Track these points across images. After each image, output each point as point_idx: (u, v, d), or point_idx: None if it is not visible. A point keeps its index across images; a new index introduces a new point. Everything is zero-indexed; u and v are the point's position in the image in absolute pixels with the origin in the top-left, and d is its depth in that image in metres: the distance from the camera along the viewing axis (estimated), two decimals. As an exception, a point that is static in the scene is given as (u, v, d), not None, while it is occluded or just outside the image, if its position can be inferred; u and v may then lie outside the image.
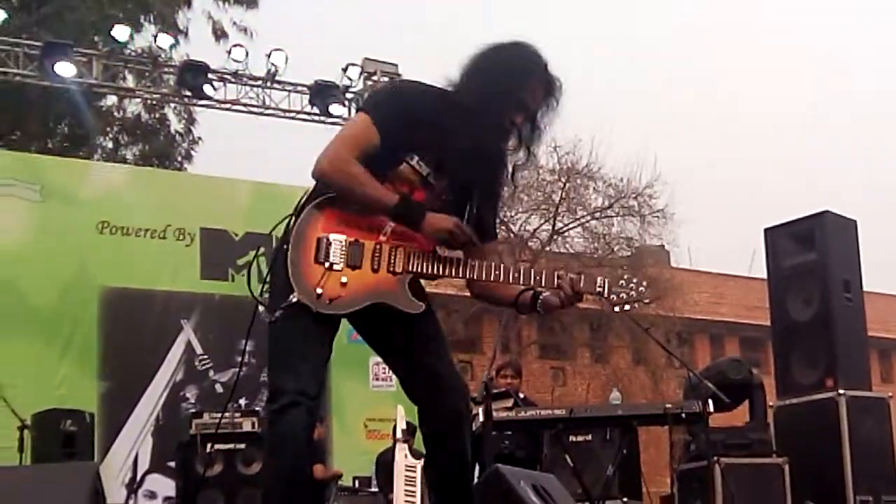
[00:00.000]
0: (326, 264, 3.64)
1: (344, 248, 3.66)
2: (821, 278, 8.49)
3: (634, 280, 3.81)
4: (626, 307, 3.80)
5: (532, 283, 3.77)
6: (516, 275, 3.76)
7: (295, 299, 3.61)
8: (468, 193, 3.84)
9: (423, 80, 3.88)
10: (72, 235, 11.35)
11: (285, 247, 3.67)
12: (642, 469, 8.57)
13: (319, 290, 3.61)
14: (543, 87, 3.78)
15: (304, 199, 3.77)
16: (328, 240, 3.66)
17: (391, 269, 3.70)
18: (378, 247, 3.70)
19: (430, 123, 3.70)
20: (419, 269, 3.72)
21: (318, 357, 3.71)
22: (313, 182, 3.77)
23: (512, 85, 3.73)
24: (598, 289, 3.78)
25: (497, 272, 3.74)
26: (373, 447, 10.88)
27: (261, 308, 3.74)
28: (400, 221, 3.68)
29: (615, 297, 3.78)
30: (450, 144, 3.70)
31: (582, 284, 3.76)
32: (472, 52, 3.78)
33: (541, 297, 3.84)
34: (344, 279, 3.64)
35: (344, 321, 3.79)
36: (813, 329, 8.44)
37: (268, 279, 3.78)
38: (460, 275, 3.75)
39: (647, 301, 3.86)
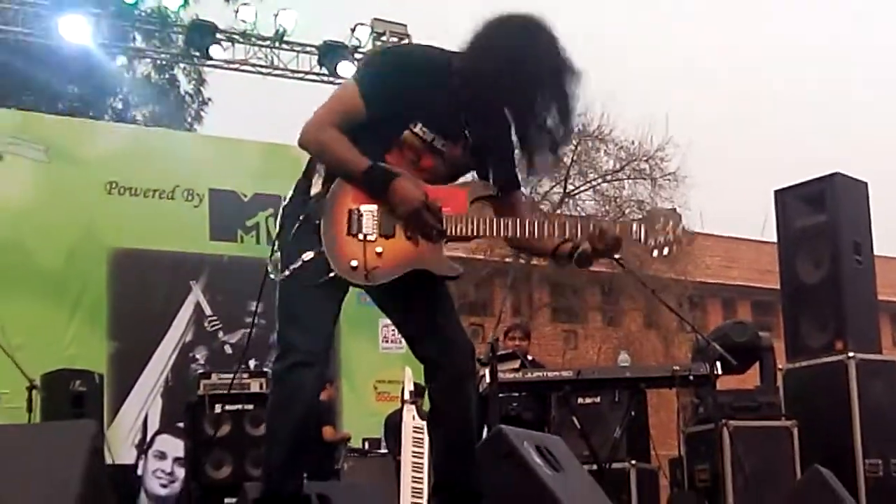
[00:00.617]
0: (360, 236, 3.60)
1: (376, 218, 3.62)
2: (831, 240, 8.42)
3: (671, 220, 3.70)
4: (667, 251, 3.68)
5: (569, 234, 3.71)
6: (551, 228, 3.69)
7: (308, 257, 3.58)
8: (482, 154, 3.79)
9: (423, 44, 3.84)
10: (79, 196, 11.34)
11: (318, 221, 3.62)
12: (651, 432, 8.57)
13: (355, 263, 3.58)
14: (558, 75, 3.64)
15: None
16: (359, 211, 3.62)
17: None
18: None
19: (426, 93, 3.64)
20: (454, 232, 3.67)
21: (327, 317, 3.70)
22: None
23: (521, 78, 3.58)
24: (635, 237, 3.69)
25: (532, 228, 3.67)
26: (382, 409, 10.92)
27: (269, 267, 3.71)
28: (365, 188, 3.61)
29: (653, 243, 3.68)
30: (453, 114, 3.67)
31: (618, 232, 3.69)
32: (484, 25, 3.64)
33: (580, 250, 3.74)
34: (379, 249, 3.61)
35: None
36: (822, 291, 8.38)
37: (278, 237, 3.75)
38: (495, 234, 3.70)
39: (686, 241, 3.71)
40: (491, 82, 3.59)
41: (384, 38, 13.84)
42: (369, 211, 3.62)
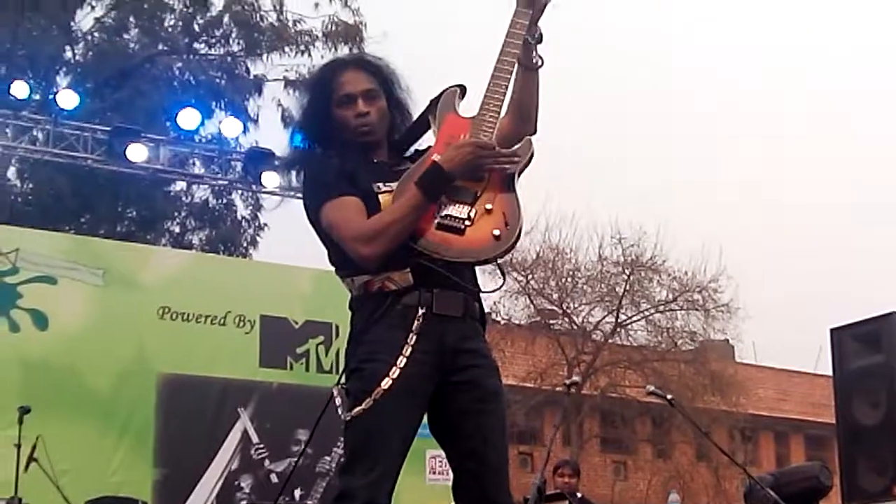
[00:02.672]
0: (468, 220, 3.47)
1: (454, 200, 3.50)
2: (888, 381, 8.28)
3: None
4: None
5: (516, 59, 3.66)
6: (500, 82, 3.62)
7: (387, 385, 3.41)
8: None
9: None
10: (132, 320, 11.39)
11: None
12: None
13: (497, 232, 3.44)
14: (353, 67, 3.75)
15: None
16: (441, 215, 3.48)
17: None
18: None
19: (348, 165, 3.65)
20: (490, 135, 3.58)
21: (397, 457, 3.50)
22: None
23: (320, 99, 3.73)
24: None
25: (496, 98, 3.61)
26: (429, 542, 10.73)
27: (337, 401, 3.56)
28: (436, 194, 3.46)
29: None
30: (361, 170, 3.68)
31: None
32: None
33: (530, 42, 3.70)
34: (488, 206, 3.49)
35: None
36: (880, 433, 8.22)
37: (345, 368, 3.58)
38: (504, 98, 3.62)
39: None
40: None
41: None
42: (445, 204, 3.48)
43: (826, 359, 8.82)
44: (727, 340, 27.02)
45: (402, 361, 3.46)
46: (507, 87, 3.64)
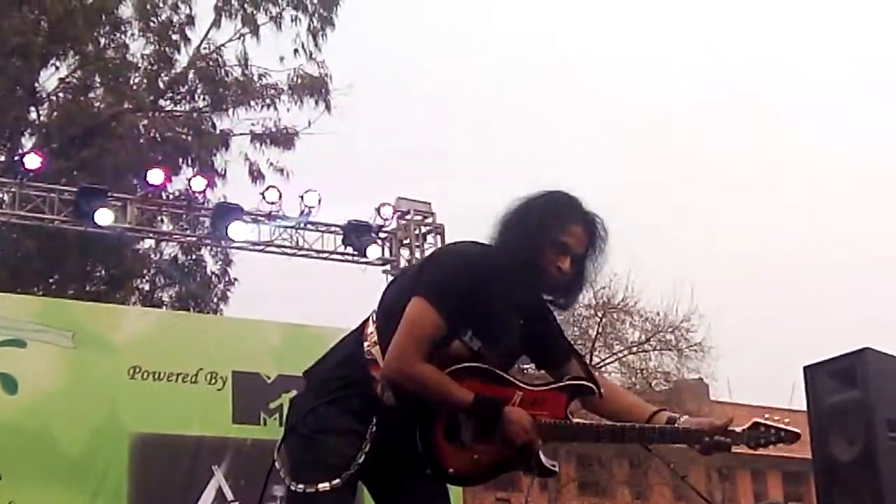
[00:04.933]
0: (458, 443, 3.56)
1: (475, 425, 3.56)
2: (864, 417, 8.27)
3: (774, 420, 3.73)
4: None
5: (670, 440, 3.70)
6: (653, 434, 3.66)
7: (348, 475, 3.51)
8: (538, 340, 3.80)
9: (473, 240, 3.76)
10: (103, 381, 11.29)
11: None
12: None
13: (452, 471, 3.54)
14: (584, 228, 3.69)
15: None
16: (458, 417, 3.56)
17: None
18: None
19: (481, 298, 3.60)
20: (551, 440, 3.63)
21: None
22: (348, 327, 3.73)
23: (548, 229, 3.63)
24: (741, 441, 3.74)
25: (632, 434, 3.67)
26: None
27: (278, 464, 3.65)
28: (475, 416, 3.55)
29: (755, 443, 3.73)
30: (495, 309, 3.62)
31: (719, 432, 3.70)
32: (508, 205, 3.69)
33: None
34: (476, 456, 3.57)
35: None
36: (857, 470, 8.20)
37: (292, 422, 3.72)
38: (593, 440, 3.72)
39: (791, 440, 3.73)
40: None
41: (408, 217, 13.96)
42: (469, 417, 3.56)
43: (800, 395, 8.80)
44: (701, 379, 27.08)
45: (362, 457, 3.57)
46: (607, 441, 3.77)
